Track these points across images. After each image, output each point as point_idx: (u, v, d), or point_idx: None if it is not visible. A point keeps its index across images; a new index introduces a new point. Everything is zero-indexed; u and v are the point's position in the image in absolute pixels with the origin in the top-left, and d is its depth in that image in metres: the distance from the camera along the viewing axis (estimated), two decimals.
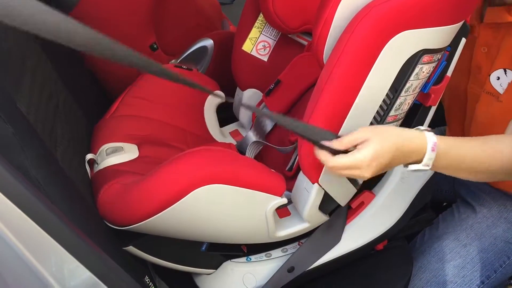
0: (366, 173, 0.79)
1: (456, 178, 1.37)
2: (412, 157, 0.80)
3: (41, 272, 0.69)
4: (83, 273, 0.72)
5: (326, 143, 0.79)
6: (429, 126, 1.06)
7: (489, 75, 1.08)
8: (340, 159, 0.78)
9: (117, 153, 1.11)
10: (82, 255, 0.71)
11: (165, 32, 1.62)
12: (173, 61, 1.60)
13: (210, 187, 0.88)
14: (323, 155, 0.80)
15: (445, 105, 1.29)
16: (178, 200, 0.88)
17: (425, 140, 0.80)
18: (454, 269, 1.14)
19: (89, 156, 1.10)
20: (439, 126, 1.47)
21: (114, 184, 0.99)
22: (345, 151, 0.79)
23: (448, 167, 0.83)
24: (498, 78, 1.06)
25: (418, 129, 0.83)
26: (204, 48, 1.55)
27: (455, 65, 1.05)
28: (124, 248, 0.99)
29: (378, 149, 0.77)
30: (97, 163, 1.10)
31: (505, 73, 1.05)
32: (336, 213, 1.01)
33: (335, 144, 0.79)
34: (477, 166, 0.83)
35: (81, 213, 0.89)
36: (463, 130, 1.23)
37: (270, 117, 0.87)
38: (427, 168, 0.81)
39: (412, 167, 0.81)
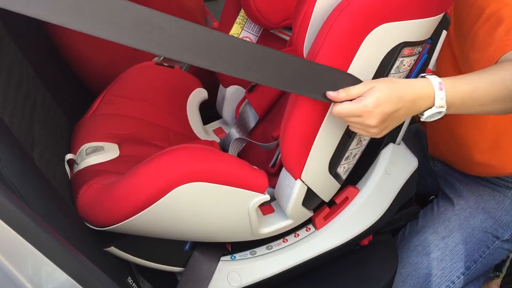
0: (370, 121, 0.79)
1: (438, 171, 1.37)
2: (420, 104, 0.80)
3: (17, 276, 0.68)
4: (61, 277, 0.70)
5: (330, 94, 0.80)
6: (410, 122, 1.05)
7: None
8: (345, 106, 0.79)
9: (97, 153, 1.09)
10: (59, 258, 0.70)
11: None
12: (155, 58, 1.57)
13: (191, 185, 0.87)
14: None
15: None
16: (159, 199, 0.86)
17: (430, 82, 0.79)
18: (433, 262, 1.14)
19: (68, 156, 1.08)
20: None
21: (94, 184, 0.97)
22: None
23: (463, 102, 0.81)
24: None
25: (422, 76, 0.82)
26: None
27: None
28: (105, 249, 0.97)
29: (380, 97, 0.77)
30: (77, 163, 1.08)
31: None
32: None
33: (342, 94, 0.80)
34: (493, 93, 0.81)
35: (59, 214, 0.87)
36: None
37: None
38: (443, 109, 0.79)
39: (427, 113, 0.80)
